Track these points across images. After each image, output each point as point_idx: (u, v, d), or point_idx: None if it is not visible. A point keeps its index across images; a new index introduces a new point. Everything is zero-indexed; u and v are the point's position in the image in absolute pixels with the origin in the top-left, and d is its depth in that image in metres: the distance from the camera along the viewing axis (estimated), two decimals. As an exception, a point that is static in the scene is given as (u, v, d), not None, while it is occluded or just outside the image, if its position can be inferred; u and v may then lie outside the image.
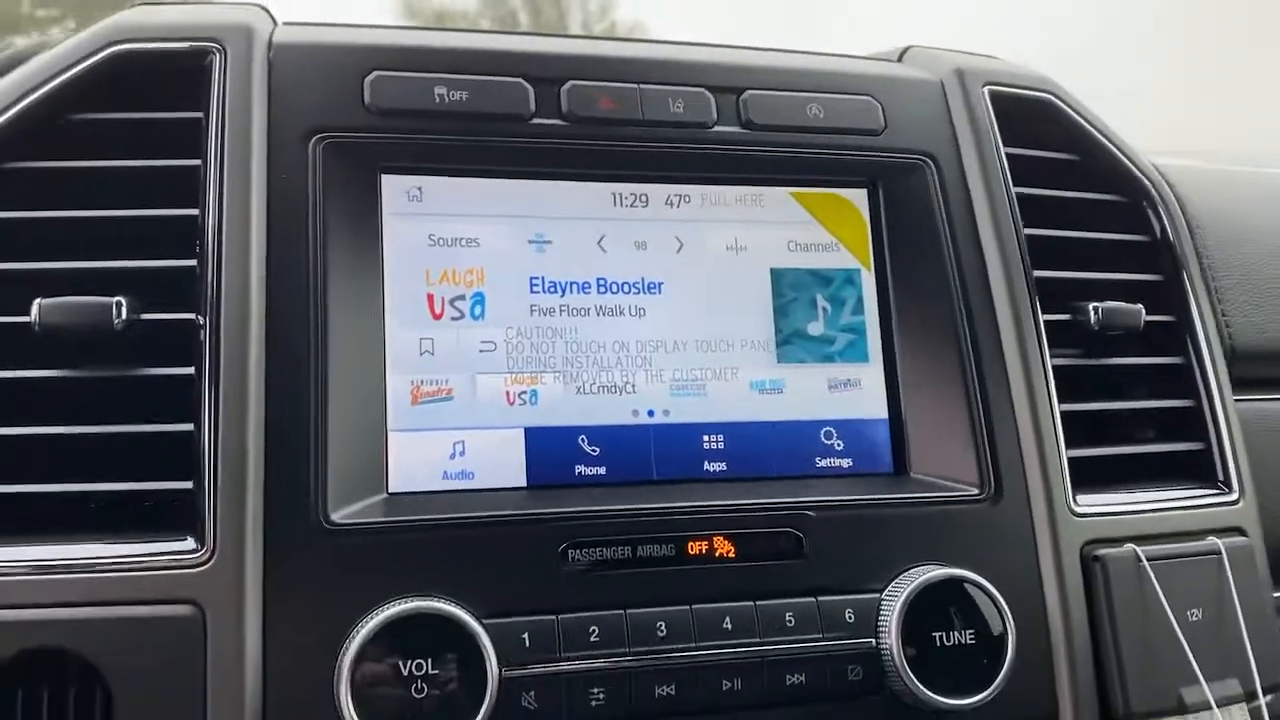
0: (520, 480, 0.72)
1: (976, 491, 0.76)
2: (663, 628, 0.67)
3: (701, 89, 0.79)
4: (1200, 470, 0.85)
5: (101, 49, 0.72)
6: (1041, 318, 0.81)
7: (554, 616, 0.66)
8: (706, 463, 0.76)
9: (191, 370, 0.66)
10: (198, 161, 0.70)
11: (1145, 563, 0.76)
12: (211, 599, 0.62)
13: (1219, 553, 0.79)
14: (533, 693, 0.65)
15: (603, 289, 0.77)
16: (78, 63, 0.71)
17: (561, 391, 0.74)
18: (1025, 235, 0.83)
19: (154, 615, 0.62)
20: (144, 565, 0.62)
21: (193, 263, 0.68)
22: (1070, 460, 0.78)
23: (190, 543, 0.63)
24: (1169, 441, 0.85)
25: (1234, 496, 0.83)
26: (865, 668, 0.70)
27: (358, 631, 0.62)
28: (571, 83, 0.77)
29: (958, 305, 0.79)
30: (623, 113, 0.77)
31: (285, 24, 0.78)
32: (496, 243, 0.75)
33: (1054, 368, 0.80)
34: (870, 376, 0.80)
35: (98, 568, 0.62)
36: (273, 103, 0.72)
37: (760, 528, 0.71)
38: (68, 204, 0.69)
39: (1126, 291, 0.87)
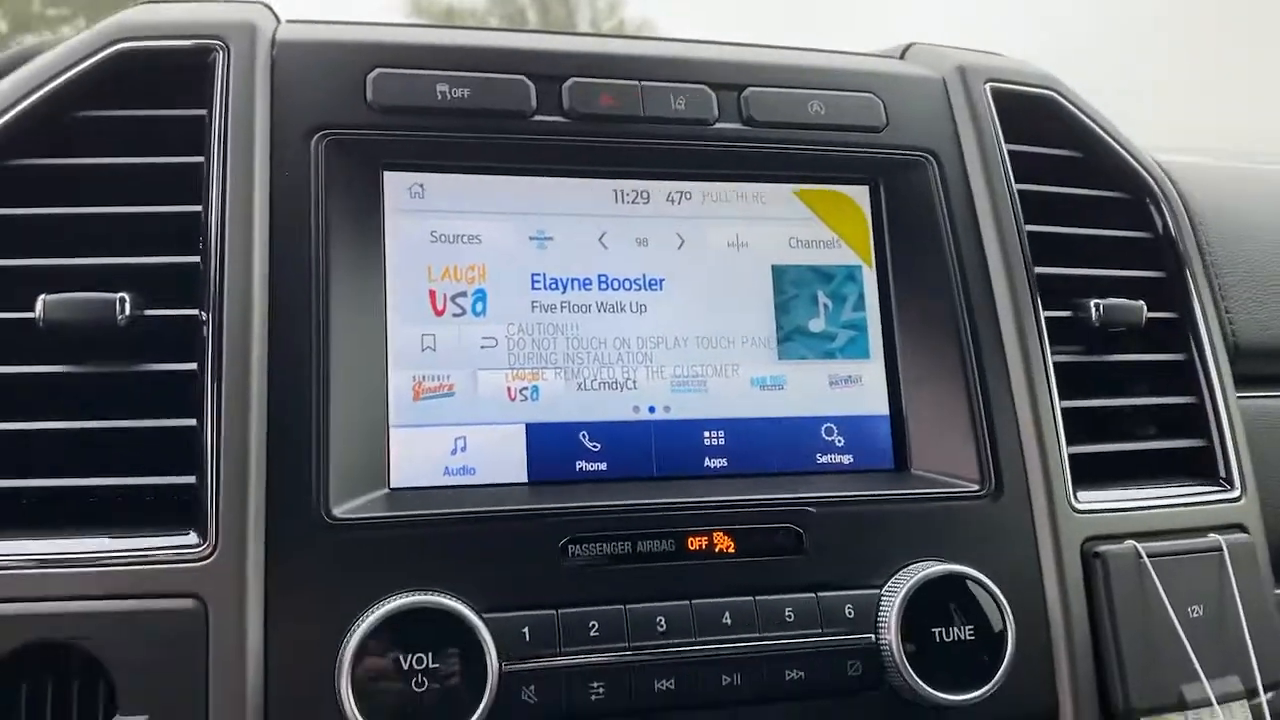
0: (521, 476, 0.73)
1: (977, 488, 0.76)
2: (662, 623, 0.68)
3: (703, 86, 0.79)
4: (1202, 467, 0.85)
5: (106, 47, 0.72)
6: (1043, 314, 0.81)
7: (554, 611, 0.67)
8: (707, 459, 0.76)
9: (194, 366, 0.67)
10: (201, 159, 0.70)
11: (1146, 559, 0.76)
12: (214, 593, 0.63)
13: (1220, 549, 0.78)
14: (532, 687, 0.65)
15: (604, 285, 0.77)
16: (82, 60, 0.72)
17: (563, 387, 0.75)
18: (1027, 232, 0.83)
19: (157, 609, 0.62)
20: (147, 559, 0.63)
21: (196, 259, 0.69)
22: (1071, 457, 0.78)
23: (193, 537, 0.64)
24: (1171, 438, 0.85)
25: (1236, 493, 0.83)
26: (865, 663, 0.70)
27: (359, 625, 0.63)
28: (573, 80, 0.77)
29: (959, 302, 0.79)
30: (624, 110, 0.78)
31: (289, 21, 0.78)
32: (498, 239, 0.76)
33: (1055, 364, 0.80)
34: (871, 373, 0.80)
35: (101, 562, 0.62)
36: (275, 100, 0.72)
37: (760, 523, 0.71)
38: (72, 201, 0.70)
39: (1129, 288, 0.87)
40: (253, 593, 0.63)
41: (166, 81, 0.73)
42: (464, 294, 0.74)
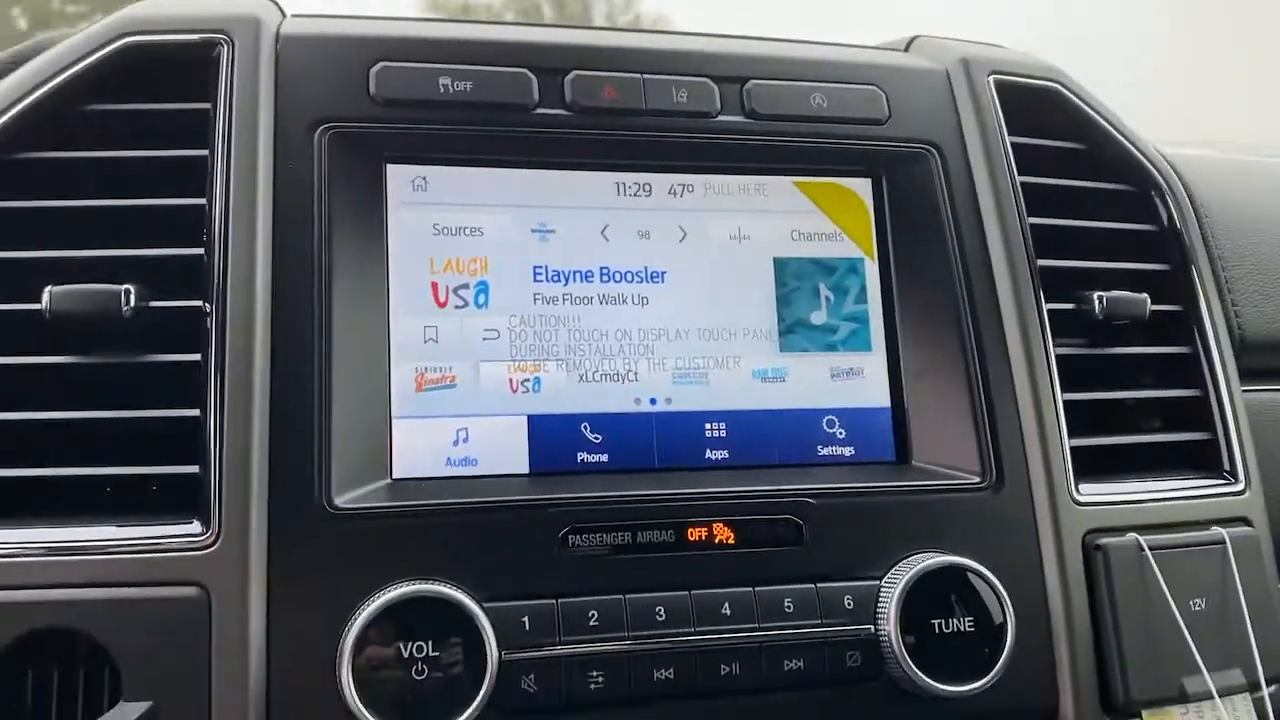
0: (523, 467, 0.73)
1: (978, 480, 0.76)
2: (661, 612, 0.68)
3: (705, 79, 0.79)
4: (1206, 460, 0.85)
5: (112, 41, 0.73)
6: (1045, 307, 0.81)
7: (554, 601, 0.67)
8: (708, 450, 0.76)
9: (198, 357, 0.68)
10: (205, 151, 0.71)
11: (1148, 552, 0.76)
12: (216, 581, 0.63)
13: (1223, 542, 0.78)
14: (532, 675, 0.65)
15: (606, 278, 0.77)
16: (89, 54, 0.72)
17: (564, 379, 0.75)
18: (1030, 224, 0.83)
19: (160, 596, 0.63)
20: (151, 548, 0.64)
21: (200, 251, 0.69)
22: (1074, 449, 0.78)
23: (196, 526, 0.64)
24: (1175, 431, 0.85)
25: (1240, 487, 0.83)
26: (864, 654, 0.70)
27: (360, 614, 0.63)
28: (575, 73, 0.77)
29: (961, 294, 0.79)
30: (626, 103, 0.78)
31: (293, 16, 0.79)
32: (500, 232, 0.76)
33: (1058, 357, 0.80)
34: (873, 365, 0.80)
35: (106, 550, 0.63)
36: (279, 93, 0.73)
37: (760, 514, 0.72)
38: (79, 193, 0.70)
39: (1134, 281, 0.86)
40: (255, 581, 0.64)
41: (172, 75, 0.73)
42: (466, 286, 0.75)
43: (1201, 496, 0.81)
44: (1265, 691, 0.76)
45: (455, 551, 0.67)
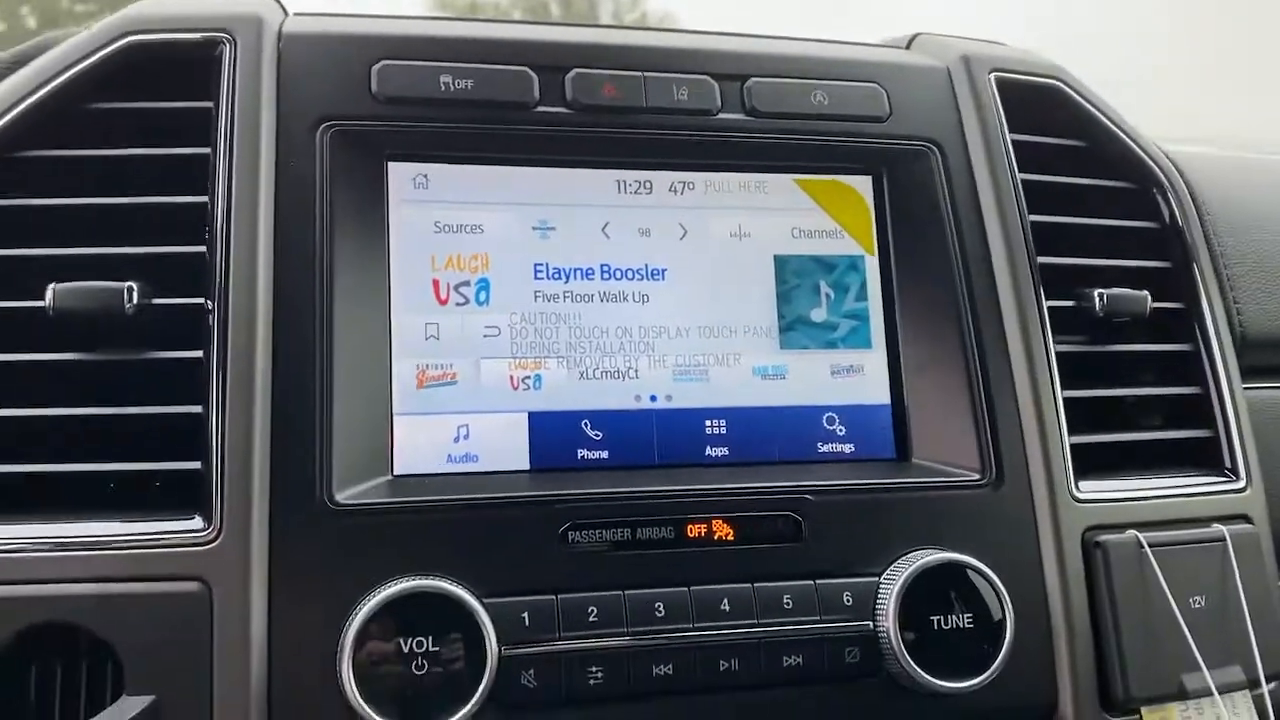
0: (523, 463, 0.74)
1: (977, 477, 0.76)
2: (661, 608, 0.68)
3: (705, 77, 0.80)
4: (1208, 458, 0.85)
5: (115, 40, 0.73)
6: (1045, 304, 0.81)
7: (553, 596, 0.67)
8: (708, 447, 0.76)
9: (200, 353, 0.68)
10: (207, 150, 0.71)
11: (1147, 549, 0.76)
12: (218, 576, 0.64)
13: (1223, 540, 0.78)
14: (532, 671, 0.66)
15: (606, 275, 0.77)
16: (92, 53, 0.73)
17: (565, 376, 0.75)
18: (1031, 222, 0.83)
19: (162, 591, 0.63)
20: (153, 543, 0.64)
21: (202, 249, 0.70)
22: (1074, 446, 0.78)
23: (198, 522, 0.65)
24: (1176, 429, 0.85)
25: (1241, 484, 0.83)
26: (863, 650, 0.70)
27: (360, 609, 0.64)
28: (576, 71, 0.78)
29: (961, 292, 0.80)
30: (627, 100, 0.78)
31: (296, 14, 0.79)
32: (501, 229, 0.76)
33: (1059, 354, 0.80)
34: (873, 362, 0.80)
35: (109, 545, 0.64)
36: (281, 92, 0.73)
37: (759, 511, 0.72)
38: (82, 191, 0.71)
39: (1135, 278, 0.86)
40: (256, 576, 0.64)
41: (174, 74, 0.74)
42: (467, 283, 0.75)
43: (1202, 494, 0.81)
44: (1265, 689, 0.76)
45: (455, 547, 0.67)
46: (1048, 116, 0.88)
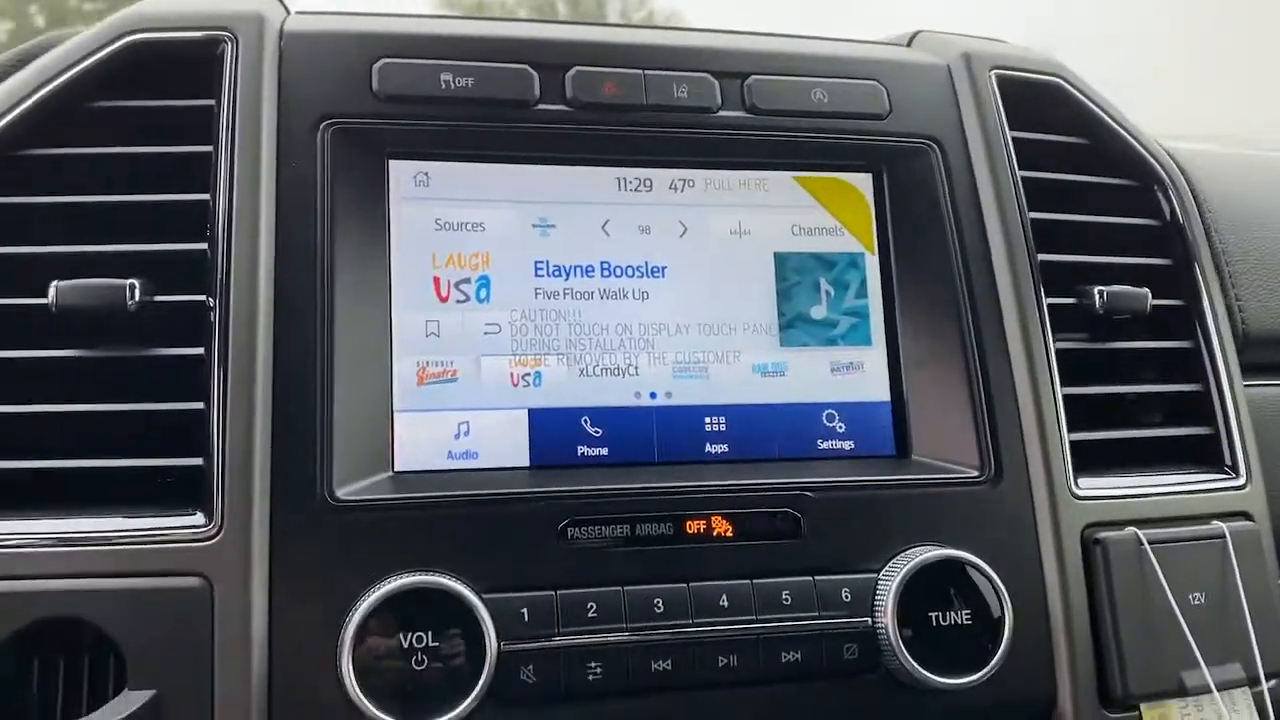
0: (523, 460, 0.74)
1: (976, 474, 0.76)
2: (660, 604, 0.69)
3: (705, 74, 0.80)
4: (1208, 455, 0.85)
5: (118, 38, 0.73)
6: (1046, 301, 0.81)
7: (553, 592, 0.68)
8: (708, 444, 0.77)
9: (202, 350, 0.68)
10: (209, 148, 0.72)
11: (1147, 546, 0.76)
12: (219, 572, 0.64)
13: (1223, 537, 0.78)
14: (531, 666, 0.66)
15: (606, 273, 0.78)
16: (95, 52, 0.73)
17: (565, 373, 0.75)
18: (1031, 219, 0.83)
19: (164, 587, 0.64)
20: (155, 539, 0.64)
21: (204, 246, 0.70)
22: (1075, 444, 0.78)
23: (199, 517, 0.65)
24: (1176, 426, 0.85)
25: (1241, 481, 0.83)
26: (861, 646, 0.70)
27: (360, 604, 0.64)
28: (576, 69, 0.78)
29: (961, 289, 0.80)
30: (627, 98, 0.78)
31: (297, 13, 0.79)
32: (502, 227, 0.77)
33: (1059, 351, 0.80)
34: (873, 359, 0.81)
35: (111, 541, 0.64)
36: (283, 90, 0.74)
37: (758, 508, 0.72)
38: (84, 189, 0.71)
39: (1136, 276, 0.86)
40: (257, 572, 0.65)
41: (176, 72, 0.74)
42: (468, 281, 0.75)
43: (1202, 491, 0.81)
44: (1264, 686, 0.76)
45: (456, 543, 0.68)
46: (1048, 114, 0.88)
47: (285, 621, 0.64)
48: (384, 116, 0.74)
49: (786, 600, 0.70)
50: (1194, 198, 0.92)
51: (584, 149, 0.78)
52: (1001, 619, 0.71)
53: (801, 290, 0.80)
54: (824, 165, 0.82)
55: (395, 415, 0.72)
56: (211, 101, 0.73)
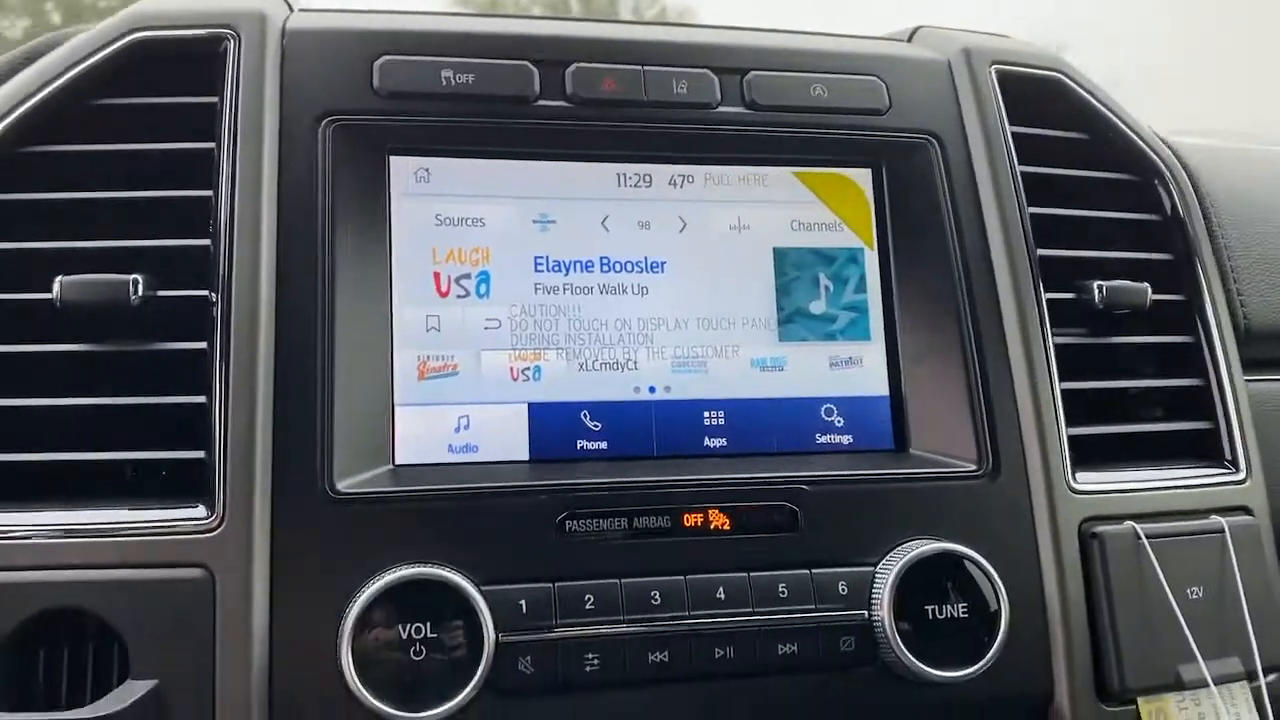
0: (523, 454, 0.74)
1: (974, 468, 0.76)
2: (657, 597, 0.69)
3: (705, 70, 0.80)
4: (1209, 450, 0.84)
5: (122, 36, 0.74)
6: (1045, 296, 0.81)
7: (551, 584, 0.68)
8: (707, 439, 0.77)
9: (204, 345, 0.69)
10: (212, 145, 0.73)
11: (1144, 540, 0.76)
12: (220, 563, 0.65)
13: (1222, 531, 0.78)
14: (529, 657, 0.67)
15: (606, 268, 0.78)
16: (99, 50, 0.74)
17: (564, 368, 0.76)
18: (1031, 214, 0.83)
19: (166, 578, 0.64)
20: (157, 530, 0.65)
21: (206, 242, 0.71)
22: (1074, 438, 0.79)
23: (201, 510, 0.66)
24: (1176, 421, 0.85)
25: (1240, 476, 0.83)
26: (858, 639, 0.71)
27: (360, 596, 0.65)
28: (576, 65, 0.78)
29: (960, 284, 0.80)
30: (626, 94, 0.79)
31: (300, 10, 0.80)
32: (502, 223, 0.77)
33: (1058, 346, 0.80)
34: (872, 354, 0.81)
35: (114, 533, 0.65)
36: (285, 87, 0.74)
37: (755, 501, 0.72)
38: (88, 186, 0.72)
39: (1137, 270, 0.86)
40: (258, 563, 0.65)
41: (180, 70, 0.75)
42: (468, 276, 0.76)
43: (1201, 485, 0.81)
44: (1262, 681, 0.76)
45: (455, 536, 0.68)
46: (1048, 109, 0.88)
47: (286, 612, 0.65)
48: (385, 113, 0.75)
49: (783, 593, 0.71)
50: (1196, 192, 0.91)
51: (584, 145, 0.79)
52: (998, 612, 0.72)
53: (800, 285, 0.81)
54: (823, 160, 0.82)
55: (396, 409, 0.73)
56: (214, 98, 0.74)
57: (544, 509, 0.70)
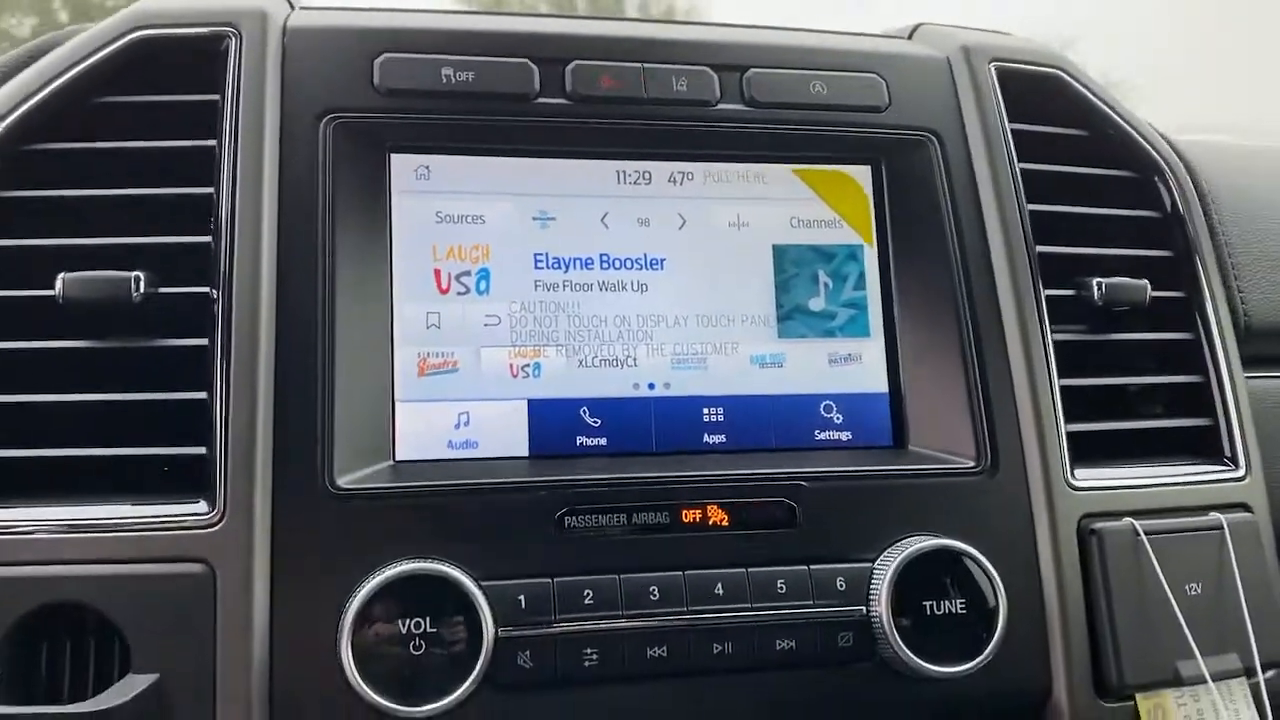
0: (523, 450, 0.75)
1: (973, 464, 0.76)
2: (655, 592, 0.69)
3: (704, 67, 0.80)
4: (1208, 446, 0.85)
5: (124, 35, 0.75)
6: (1044, 293, 0.81)
7: (550, 580, 0.68)
8: (706, 435, 0.77)
9: (205, 341, 0.69)
10: (213, 142, 0.73)
11: (1143, 536, 0.76)
12: (221, 558, 0.65)
13: (1221, 528, 0.78)
14: (528, 652, 0.67)
15: (605, 265, 0.78)
16: (102, 48, 0.74)
17: (564, 364, 0.76)
18: (1030, 211, 0.83)
19: (167, 573, 0.65)
20: (159, 526, 0.66)
21: (208, 239, 0.71)
22: (1073, 435, 0.79)
23: (202, 505, 0.66)
24: (1176, 417, 0.85)
25: (1240, 473, 0.83)
26: (856, 635, 0.71)
27: (360, 591, 0.65)
28: (575, 62, 0.78)
29: (959, 281, 0.80)
30: (626, 92, 0.79)
31: (302, 8, 0.80)
32: (502, 220, 0.77)
33: (1057, 343, 0.80)
34: (871, 351, 0.81)
35: (115, 528, 0.65)
36: (286, 85, 0.75)
37: (754, 497, 0.73)
38: (90, 183, 0.73)
39: (1137, 267, 0.86)
40: (259, 559, 0.66)
41: (181, 68, 0.75)
42: (468, 273, 0.76)
43: (1200, 482, 0.81)
44: (1261, 677, 0.76)
45: (454, 531, 0.68)
46: (1048, 106, 0.88)
47: (286, 607, 0.66)
48: (385, 110, 0.75)
49: (782, 588, 0.71)
50: (1196, 188, 0.91)
51: (583, 142, 0.79)
52: (996, 608, 0.72)
53: (800, 282, 0.81)
54: (823, 158, 0.82)
55: (396, 405, 0.73)
56: (216, 96, 0.74)
57: (543, 505, 0.70)
